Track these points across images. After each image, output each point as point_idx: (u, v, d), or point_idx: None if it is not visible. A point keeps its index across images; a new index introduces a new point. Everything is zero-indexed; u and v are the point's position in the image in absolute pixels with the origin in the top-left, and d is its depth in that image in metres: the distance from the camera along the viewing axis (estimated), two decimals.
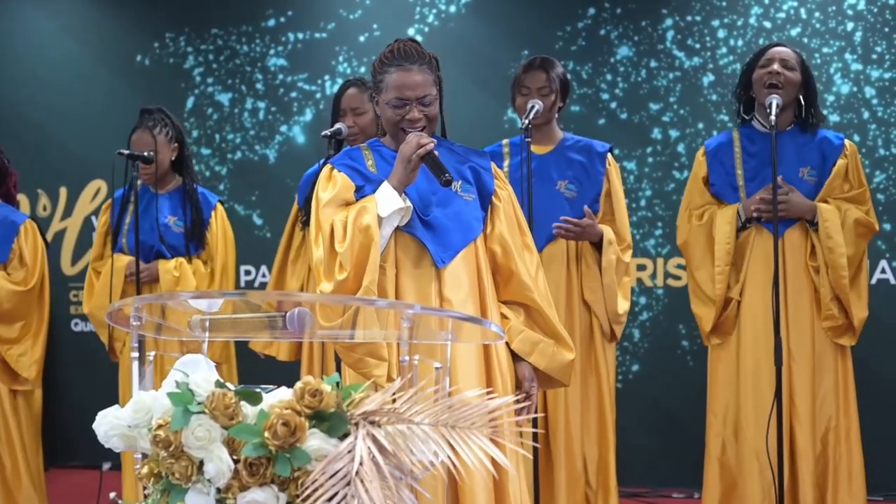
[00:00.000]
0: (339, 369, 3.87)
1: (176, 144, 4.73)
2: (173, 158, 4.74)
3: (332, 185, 2.96)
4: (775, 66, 4.02)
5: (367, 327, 2.42)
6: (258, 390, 1.97)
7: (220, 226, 4.81)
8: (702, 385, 4.42)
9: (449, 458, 1.81)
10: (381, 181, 2.90)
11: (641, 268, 5.81)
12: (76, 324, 6.70)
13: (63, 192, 6.70)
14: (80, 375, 6.62)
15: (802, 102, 4.05)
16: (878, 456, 5.14)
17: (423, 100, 2.93)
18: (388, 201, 2.85)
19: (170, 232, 4.68)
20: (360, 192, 2.94)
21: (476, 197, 3.02)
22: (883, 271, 5.55)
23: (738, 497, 4.10)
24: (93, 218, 6.65)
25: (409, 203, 2.89)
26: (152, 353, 2.15)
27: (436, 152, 2.86)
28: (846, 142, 4.13)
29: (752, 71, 4.10)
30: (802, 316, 4.03)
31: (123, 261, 4.66)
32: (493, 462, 1.84)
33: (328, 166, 3.03)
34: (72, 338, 6.69)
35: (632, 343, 5.86)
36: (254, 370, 4.56)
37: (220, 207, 4.86)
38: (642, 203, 5.83)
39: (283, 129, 6.40)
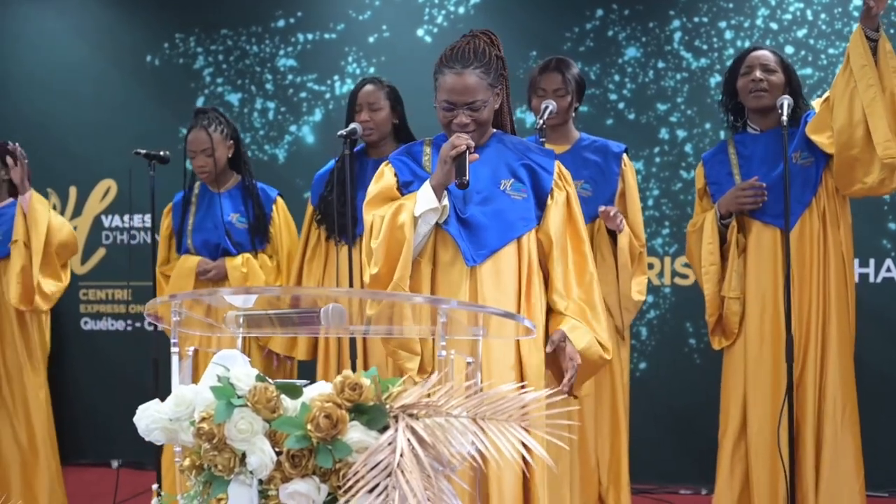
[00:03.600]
0: (353, 368, 3.93)
1: (231, 142, 4.79)
2: (230, 156, 4.79)
3: (379, 180, 3.04)
4: (758, 73, 4.07)
5: (400, 322, 2.47)
6: (297, 384, 2.02)
7: (282, 218, 4.87)
8: (709, 383, 4.46)
9: (488, 449, 1.85)
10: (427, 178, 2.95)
11: (649, 266, 5.85)
12: (85, 322, 6.74)
13: (73, 191, 6.74)
14: (89, 374, 6.66)
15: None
16: (882, 453, 5.20)
17: (471, 105, 2.93)
18: (425, 201, 2.89)
19: (234, 229, 4.74)
20: (408, 188, 3.01)
21: (529, 196, 3.01)
22: (888, 270, 5.59)
23: (749, 496, 4.14)
24: (102, 217, 6.69)
25: (445, 202, 2.92)
26: (191, 349, 2.20)
27: (475, 155, 2.87)
28: (811, 104, 4.17)
29: (735, 79, 4.16)
30: (810, 308, 4.06)
31: (192, 261, 4.72)
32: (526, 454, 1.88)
33: (385, 161, 3.10)
34: (81, 336, 6.73)
35: (639, 341, 5.91)
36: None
37: (280, 200, 4.91)
38: (650, 203, 5.88)
39: (293, 129, 6.44)
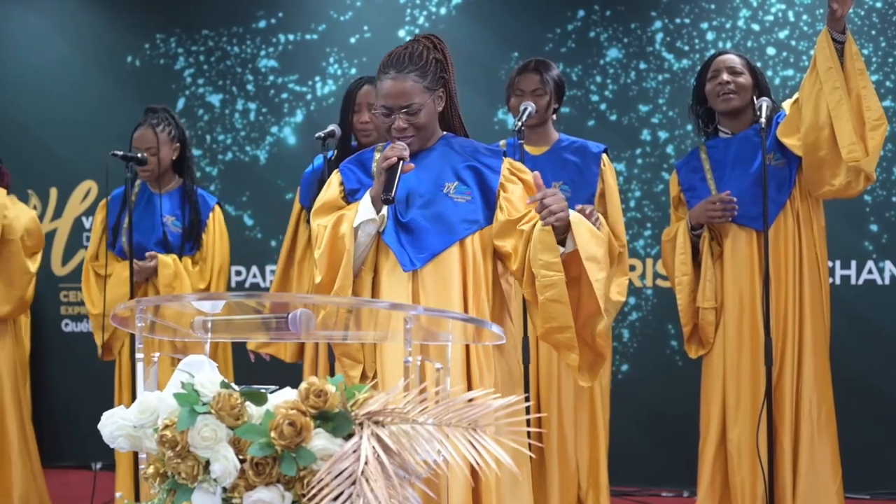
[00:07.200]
0: (332, 372, 3.91)
1: (178, 144, 4.77)
2: (174, 158, 4.77)
3: (328, 189, 3.07)
4: (724, 76, 4.09)
5: (346, 328, 2.47)
6: (263, 391, 1.99)
7: (217, 228, 4.83)
8: (691, 385, 4.45)
9: (453, 457, 1.83)
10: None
11: (630, 268, 5.83)
12: (66, 324, 6.70)
13: (53, 192, 6.70)
14: (69, 376, 6.62)
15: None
16: (863, 455, 5.20)
17: (407, 109, 2.93)
18: (364, 211, 2.91)
19: (168, 231, 4.71)
20: (354, 197, 3.02)
21: (476, 197, 2.98)
22: (870, 272, 5.59)
23: (730, 501, 4.13)
24: (83, 219, 6.65)
25: (383, 212, 2.92)
26: (157, 355, 2.17)
27: (410, 165, 2.86)
28: (782, 105, 4.17)
29: (704, 85, 4.17)
30: (786, 309, 4.05)
31: (126, 268, 4.62)
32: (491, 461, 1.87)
33: (335, 170, 3.09)
34: (61, 338, 6.69)
35: (621, 343, 5.90)
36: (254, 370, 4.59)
37: (217, 209, 4.88)
38: (631, 204, 5.87)
39: (274, 130, 6.41)
